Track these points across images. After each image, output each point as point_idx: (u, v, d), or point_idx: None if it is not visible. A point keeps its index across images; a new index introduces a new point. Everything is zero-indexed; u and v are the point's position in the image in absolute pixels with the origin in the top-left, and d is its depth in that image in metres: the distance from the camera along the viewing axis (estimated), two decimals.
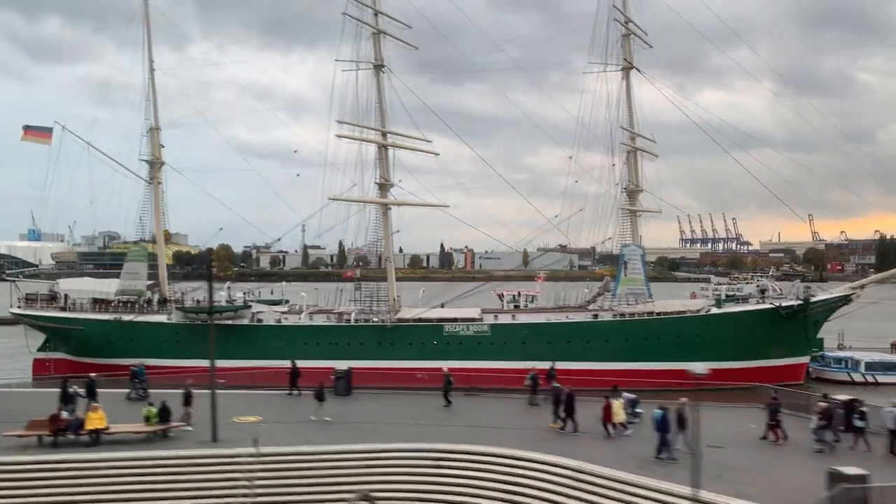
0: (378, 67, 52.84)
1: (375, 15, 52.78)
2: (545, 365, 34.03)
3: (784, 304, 47.65)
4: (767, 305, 48.41)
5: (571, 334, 48.39)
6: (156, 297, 53.46)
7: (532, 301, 59.36)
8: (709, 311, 48.52)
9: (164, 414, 22.32)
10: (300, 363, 48.24)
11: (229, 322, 49.82)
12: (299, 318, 51.49)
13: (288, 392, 32.43)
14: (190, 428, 23.04)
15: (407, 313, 51.23)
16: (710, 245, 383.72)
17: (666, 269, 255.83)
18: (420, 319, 49.83)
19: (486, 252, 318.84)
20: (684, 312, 48.74)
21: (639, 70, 51.55)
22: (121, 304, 52.50)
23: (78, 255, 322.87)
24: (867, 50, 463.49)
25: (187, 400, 24.10)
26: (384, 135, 53.10)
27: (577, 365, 46.60)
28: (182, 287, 58.07)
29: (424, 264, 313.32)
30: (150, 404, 23.04)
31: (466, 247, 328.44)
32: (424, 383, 43.47)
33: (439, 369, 46.76)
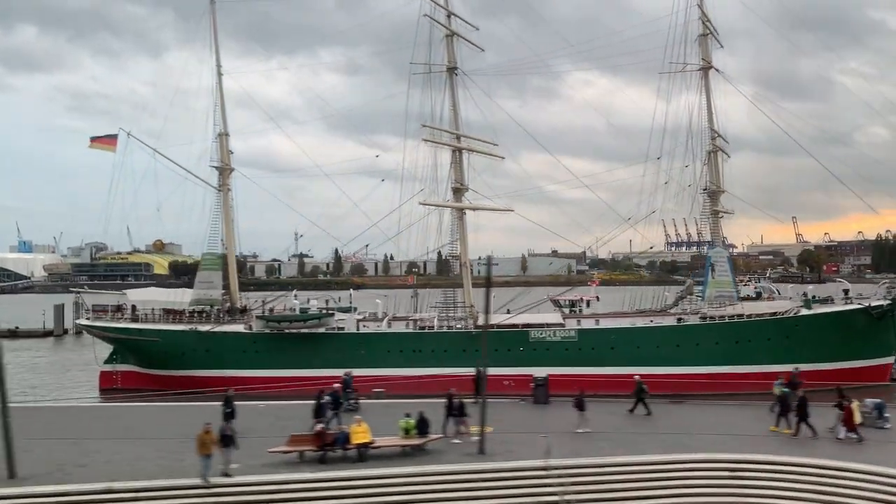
0: (451, 70, 51.97)
1: (448, 17, 51.95)
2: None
3: (874, 303, 47.24)
4: (857, 306, 47.97)
5: (661, 338, 47.65)
6: (226, 307, 52.03)
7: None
8: (797, 312, 48.00)
9: (422, 426, 21.09)
10: (384, 371, 48.16)
11: (309, 330, 48.57)
12: (379, 326, 50.34)
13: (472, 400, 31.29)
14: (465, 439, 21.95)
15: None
16: (696, 248, 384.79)
17: (665, 273, 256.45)
18: (505, 325, 48.83)
19: (482, 258, 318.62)
20: (774, 314, 48.25)
21: (718, 70, 51.14)
22: (194, 315, 51.05)
23: (71, 267, 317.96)
24: (844, 53, 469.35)
25: (459, 410, 22.79)
26: (458, 138, 52.28)
27: (667, 370, 45.97)
28: (257, 297, 56.34)
29: (422, 271, 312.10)
30: (408, 415, 21.89)
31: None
32: (511, 391, 42.59)
33: (526, 376, 46.10)
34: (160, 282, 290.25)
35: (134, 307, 52.00)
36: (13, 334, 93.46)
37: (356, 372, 47.05)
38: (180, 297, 52.38)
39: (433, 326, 49.73)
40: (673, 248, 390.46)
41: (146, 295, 55.37)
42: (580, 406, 24.00)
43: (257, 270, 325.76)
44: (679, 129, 51.56)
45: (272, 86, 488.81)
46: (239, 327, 49.52)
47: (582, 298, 58.06)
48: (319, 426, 19.51)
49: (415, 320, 50.95)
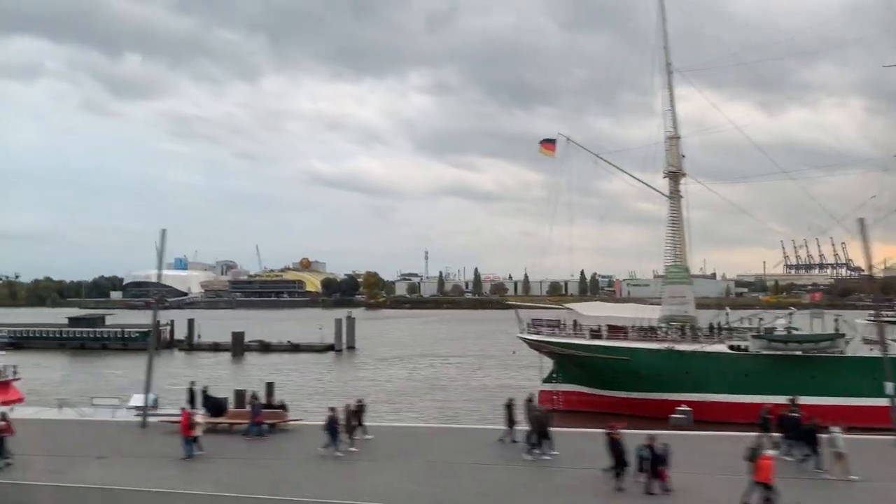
0: None
1: None
2: None
3: None
4: None
5: None
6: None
7: None
8: None
9: None
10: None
11: (817, 353, 41.87)
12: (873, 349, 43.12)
13: None
14: None
15: None
16: (817, 271, 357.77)
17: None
18: None
19: (632, 278, 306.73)
20: None
21: None
22: (638, 331, 45.37)
23: (229, 284, 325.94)
24: None
25: None
26: None
27: None
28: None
29: (563, 291, 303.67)
30: None
31: (595, 273, 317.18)
32: None
33: None
34: (313, 298, 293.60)
35: (575, 322, 46.79)
36: (295, 348, 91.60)
37: (861, 402, 40.70)
38: (636, 313, 46.67)
39: None
40: (792, 271, 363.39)
41: (596, 310, 50.05)
42: None
43: (399, 289, 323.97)
44: None
45: (362, 108, 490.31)
46: (721, 347, 43.34)
47: None
48: None
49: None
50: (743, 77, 52.29)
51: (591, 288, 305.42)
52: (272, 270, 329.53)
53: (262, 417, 24.58)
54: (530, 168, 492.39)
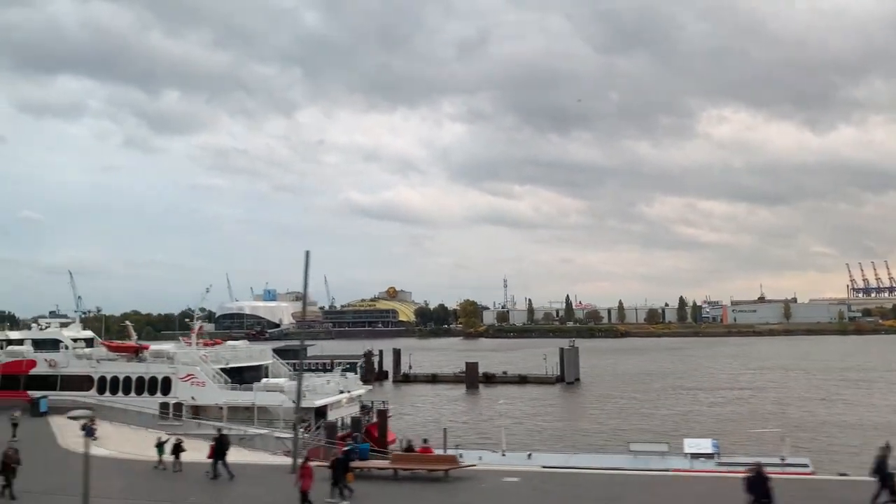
0: None
1: None
2: None
3: None
4: None
5: None
6: None
7: None
8: None
9: None
10: None
11: None
12: None
13: None
14: None
15: None
16: (886, 294, 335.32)
17: None
18: None
19: (738, 304, 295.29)
20: None
21: None
22: None
23: (322, 314, 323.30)
24: None
25: None
26: None
27: None
28: None
29: (661, 319, 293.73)
30: None
31: (703, 297, 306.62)
32: None
33: None
34: (408, 328, 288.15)
35: None
36: (522, 380, 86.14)
37: None
38: None
39: None
40: (860, 294, 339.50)
41: None
42: None
43: (487, 317, 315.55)
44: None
45: (397, 138, 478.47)
46: None
47: None
48: None
49: None
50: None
51: (693, 314, 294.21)
52: (363, 300, 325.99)
53: None
54: (568, 194, 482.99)
